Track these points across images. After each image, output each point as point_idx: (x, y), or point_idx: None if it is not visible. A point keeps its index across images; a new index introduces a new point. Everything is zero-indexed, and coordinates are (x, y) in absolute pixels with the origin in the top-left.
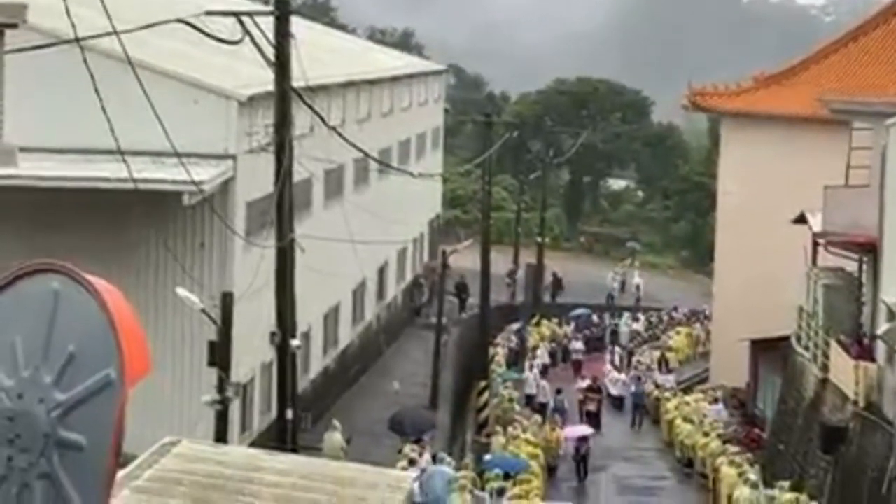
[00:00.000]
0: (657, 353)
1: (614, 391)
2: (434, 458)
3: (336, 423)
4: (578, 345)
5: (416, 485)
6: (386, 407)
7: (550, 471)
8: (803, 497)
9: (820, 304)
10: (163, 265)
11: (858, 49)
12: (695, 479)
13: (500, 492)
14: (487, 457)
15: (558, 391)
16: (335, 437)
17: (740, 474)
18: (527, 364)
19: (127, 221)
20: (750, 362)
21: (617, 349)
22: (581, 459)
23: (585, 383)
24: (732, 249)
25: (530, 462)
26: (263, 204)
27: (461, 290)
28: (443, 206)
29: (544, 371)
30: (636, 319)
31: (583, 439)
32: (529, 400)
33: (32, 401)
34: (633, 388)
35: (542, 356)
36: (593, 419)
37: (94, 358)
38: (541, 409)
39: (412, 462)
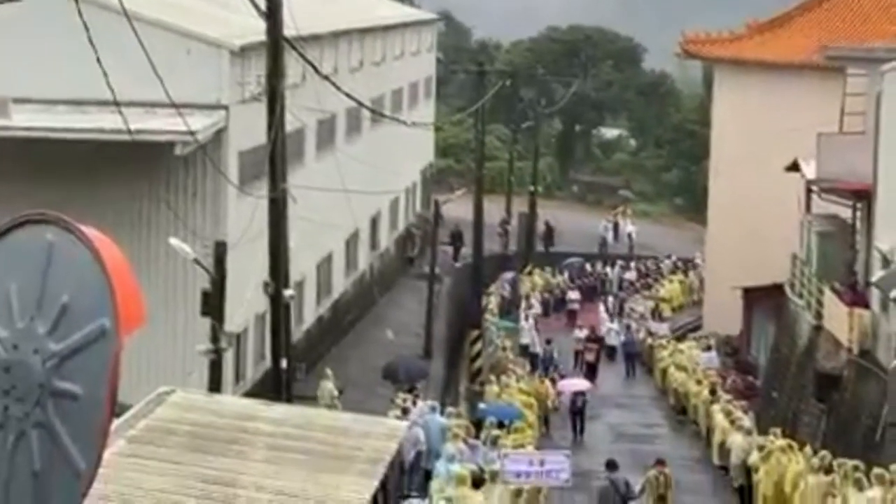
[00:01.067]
0: (650, 303)
1: (608, 340)
2: (431, 408)
3: (328, 371)
4: (574, 294)
5: (419, 431)
6: (380, 356)
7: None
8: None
9: (814, 251)
10: (156, 215)
11: None
12: (688, 427)
13: (494, 441)
14: (482, 405)
15: (548, 341)
16: (327, 386)
17: (731, 422)
18: (521, 314)
19: (120, 172)
20: (743, 310)
21: (610, 298)
22: (577, 413)
23: (584, 333)
24: (726, 197)
25: (525, 411)
26: (256, 154)
27: (456, 239)
28: (435, 156)
29: (535, 321)
30: (628, 268)
31: (579, 393)
32: (525, 350)
33: (27, 351)
34: (622, 338)
35: (535, 306)
36: (591, 369)
37: (89, 308)
38: (535, 359)
39: (405, 411)
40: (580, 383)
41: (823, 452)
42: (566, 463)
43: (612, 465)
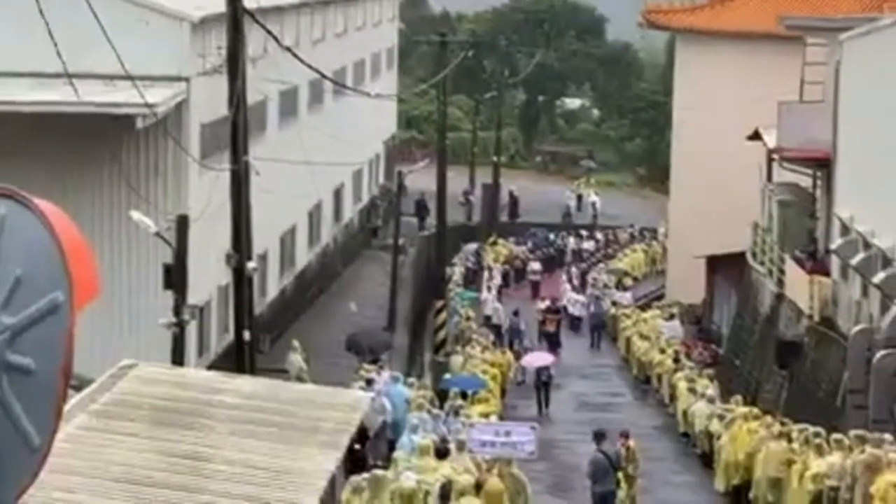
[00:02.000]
0: (614, 277)
1: (574, 312)
2: (393, 379)
3: (296, 343)
4: (536, 265)
5: (385, 400)
6: (343, 328)
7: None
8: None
9: (775, 219)
10: (117, 189)
11: None
12: (651, 395)
13: (457, 411)
14: (446, 376)
15: (515, 313)
16: (296, 359)
17: (691, 390)
18: (484, 286)
19: (80, 146)
20: (706, 278)
21: (572, 269)
22: (542, 386)
23: (545, 304)
24: (688, 166)
25: (490, 382)
26: (218, 126)
27: (420, 209)
28: (398, 127)
29: (499, 292)
30: (587, 238)
31: (544, 367)
32: (487, 321)
33: None
34: (592, 309)
35: (497, 277)
36: (552, 340)
37: (42, 281)
38: (498, 330)
39: (369, 382)
40: (544, 358)
41: (778, 419)
42: (532, 435)
43: (600, 436)
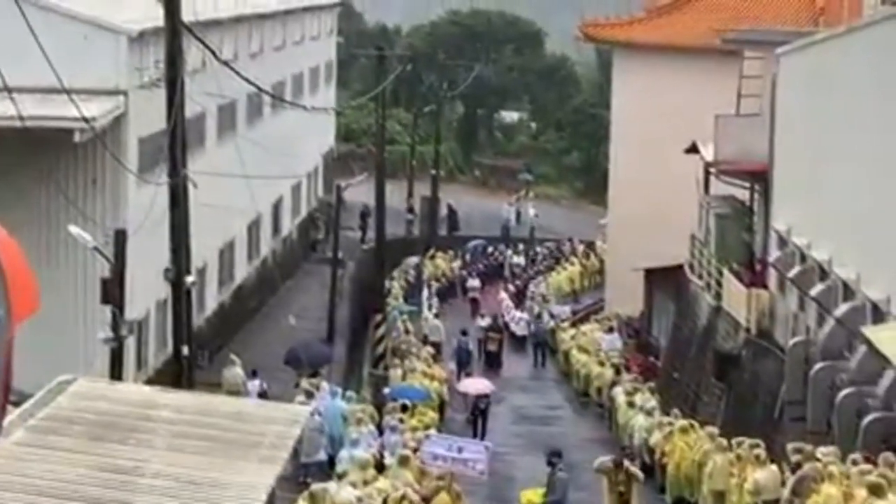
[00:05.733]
0: (552, 288)
1: (516, 331)
2: (332, 393)
3: (234, 357)
4: (475, 282)
5: (319, 419)
6: (282, 342)
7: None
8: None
9: (712, 232)
10: (55, 203)
11: None
12: (591, 408)
13: (393, 428)
14: (386, 390)
15: (464, 332)
16: (235, 372)
17: (629, 403)
18: (424, 304)
19: (17, 160)
20: (644, 291)
21: (510, 286)
22: (480, 414)
23: (486, 322)
24: (626, 179)
25: (432, 393)
26: (156, 140)
27: (364, 218)
28: (337, 141)
29: (438, 311)
30: (520, 252)
31: (482, 395)
32: (426, 339)
33: None
34: (533, 328)
35: (433, 294)
36: (492, 360)
37: None
38: (438, 348)
39: (309, 395)
40: (482, 384)
41: (713, 430)
42: (484, 455)
43: (559, 455)
